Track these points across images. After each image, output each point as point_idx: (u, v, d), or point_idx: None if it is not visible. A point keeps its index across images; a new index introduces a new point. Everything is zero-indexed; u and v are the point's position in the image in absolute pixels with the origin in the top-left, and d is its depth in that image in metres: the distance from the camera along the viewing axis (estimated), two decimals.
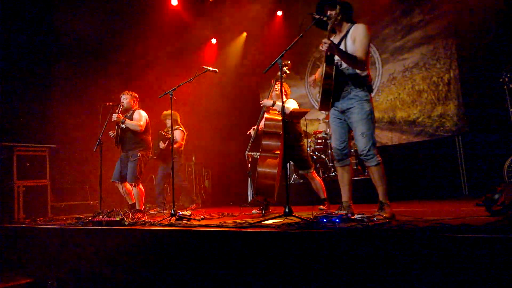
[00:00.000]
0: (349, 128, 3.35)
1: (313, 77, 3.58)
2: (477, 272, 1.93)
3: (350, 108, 3.22)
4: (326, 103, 3.30)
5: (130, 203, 5.11)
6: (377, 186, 3.20)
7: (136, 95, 5.27)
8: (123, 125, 4.92)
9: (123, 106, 5.06)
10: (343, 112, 3.30)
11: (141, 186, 5.02)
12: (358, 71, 3.20)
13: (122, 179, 5.07)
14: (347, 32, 3.27)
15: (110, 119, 4.96)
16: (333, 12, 3.21)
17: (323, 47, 3.05)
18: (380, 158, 3.16)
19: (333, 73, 3.15)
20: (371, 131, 3.15)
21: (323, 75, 3.19)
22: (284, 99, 4.55)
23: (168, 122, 6.33)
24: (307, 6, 8.27)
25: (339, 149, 3.38)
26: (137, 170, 4.92)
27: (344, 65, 3.23)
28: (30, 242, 4.52)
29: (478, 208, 3.44)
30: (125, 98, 5.13)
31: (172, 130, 4.65)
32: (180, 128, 6.60)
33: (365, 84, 3.22)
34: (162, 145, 6.40)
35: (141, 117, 5.05)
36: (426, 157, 6.62)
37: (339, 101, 3.29)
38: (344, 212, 3.40)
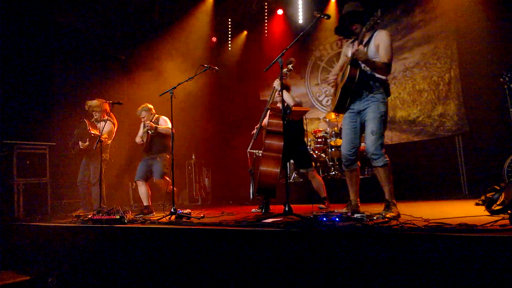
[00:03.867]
0: (361, 132, 3.39)
1: (333, 77, 3.52)
2: (477, 272, 1.93)
3: (366, 108, 3.28)
4: (342, 104, 3.35)
5: (145, 204, 5.27)
6: (383, 185, 3.23)
7: (151, 106, 5.57)
8: (153, 131, 5.28)
9: (150, 115, 5.47)
10: (359, 112, 3.35)
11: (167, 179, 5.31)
12: (377, 75, 3.25)
13: (146, 178, 5.36)
14: (370, 38, 3.31)
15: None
16: (358, 27, 3.27)
17: (353, 49, 3.12)
18: (387, 159, 3.19)
19: (357, 75, 3.18)
20: (381, 131, 3.20)
21: (346, 76, 3.21)
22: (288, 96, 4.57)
23: (96, 114, 5.86)
24: (310, 5, 8.28)
25: (348, 154, 3.42)
26: (165, 168, 5.31)
27: (367, 67, 3.26)
28: (30, 239, 4.52)
29: (478, 208, 3.44)
30: (144, 115, 5.48)
31: (173, 130, 4.62)
32: (110, 120, 5.84)
33: (383, 88, 3.27)
34: (82, 144, 5.61)
35: (167, 122, 5.43)
36: (426, 157, 6.61)
37: (356, 102, 3.34)
38: (344, 210, 3.42)
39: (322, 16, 3.50)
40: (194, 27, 8.65)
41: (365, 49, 3.26)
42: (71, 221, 4.52)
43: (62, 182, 6.59)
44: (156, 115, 5.55)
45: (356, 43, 3.14)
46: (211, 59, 8.69)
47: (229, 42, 9.45)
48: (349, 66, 3.21)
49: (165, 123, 5.45)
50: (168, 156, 5.32)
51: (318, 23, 3.55)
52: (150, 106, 5.55)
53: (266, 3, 8.79)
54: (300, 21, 8.31)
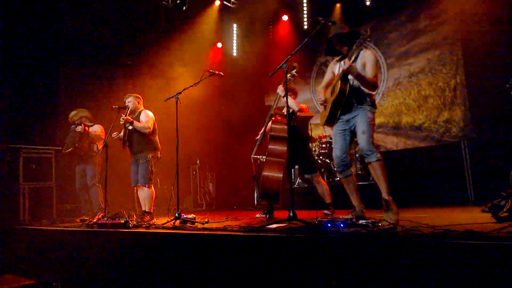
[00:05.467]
0: (351, 139, 3.54)
1: (322, 95, 3.69)
2: (483, 280, 1.91)
3: (355, 116, 3.44)
4: (333, 117, 3.51)
5: (143, 208, 5.00)
6: (379, 182, 3.30)
7: (139, 96, 5.25)
8: (131, 127, 4.89)
9: (129, 108, 5.02)
10: (348, 121, 3.50)
11: (152, 188, 4.99)
12: (365, 90, 3.41)
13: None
14: (356, 57, 3.46)
15: (117, 121, 4.96)
16: (345, 48, 3.48)
17: (345, 66, 3.24)
18: (379, 155, 3.31)
19: (347, 89, 3.34)
20: (371, 133, 3.36)
21: (337, 91, 3.36)
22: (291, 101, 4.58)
23: (80, 121, 5.94)
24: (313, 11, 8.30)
25: (340, 158, 3.55)
26: (148, 171, 4.89)
27: (355, 82, 3.41)
28: (35, 243, 4.54)
29: (484, 215, 3.41)
30: (130, 101, 5.10)
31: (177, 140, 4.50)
32: (96, 123, 6.06)
33: (370, 101, 3.46)
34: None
35: (148, 117, 5.01)
36: (432, 163, 6.58)
37: (346, 114, 3.49)
38: (349, 217, 3.41)
39: (327, 22, 3.53)
40: (199, 33, 8.71)
41: None
42: (76, 225, 4.53)
43: (67, 187, 6.60)
44: (142, 109, 5.14)
45: (346, 60, 3.27)
46: (216, 65, 8.73)
47: (234, 47, 9.50)
48: (339, 82, 3.35)
49: (145, 118, 4.97)
50: (150, 156, 4.91)
51: (323, 28, 3.57)
52: (138, 96, 5.21)
53: (271, 9, 8.83)
54: (305, 26, 8.33)
